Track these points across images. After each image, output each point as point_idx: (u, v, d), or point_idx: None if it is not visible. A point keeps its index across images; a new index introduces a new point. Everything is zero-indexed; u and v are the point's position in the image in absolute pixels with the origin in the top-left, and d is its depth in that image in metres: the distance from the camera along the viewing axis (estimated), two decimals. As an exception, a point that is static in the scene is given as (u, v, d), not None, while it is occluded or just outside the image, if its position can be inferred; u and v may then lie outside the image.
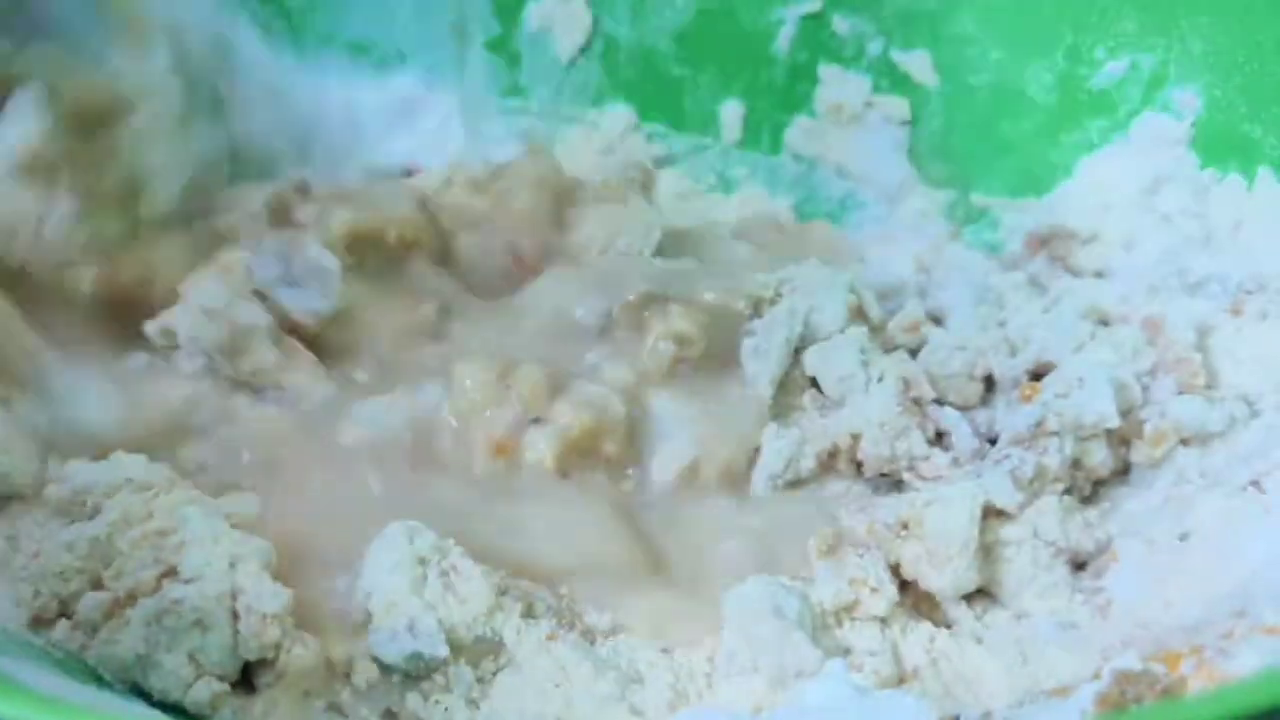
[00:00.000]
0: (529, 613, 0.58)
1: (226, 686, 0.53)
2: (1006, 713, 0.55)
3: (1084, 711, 0.50)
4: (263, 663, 0.54)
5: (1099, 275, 0.79)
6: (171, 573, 0.54)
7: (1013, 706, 0.56)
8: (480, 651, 0.56)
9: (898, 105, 0.88)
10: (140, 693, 0.53)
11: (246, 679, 0.54)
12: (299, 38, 0.88)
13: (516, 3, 0.91)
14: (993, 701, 0.57)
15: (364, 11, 0.90)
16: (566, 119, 0.92)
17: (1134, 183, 0.79)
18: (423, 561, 0.57)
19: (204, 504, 0.58)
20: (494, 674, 0.56)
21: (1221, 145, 0.77)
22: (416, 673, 0.54)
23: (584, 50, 0.91)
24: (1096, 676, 0.54)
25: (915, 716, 0.50)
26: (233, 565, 0.55)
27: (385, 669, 0.54)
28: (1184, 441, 0.66)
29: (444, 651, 0.54)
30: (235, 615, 0.53)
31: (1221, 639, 0.53)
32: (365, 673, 0.54)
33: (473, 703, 0.54)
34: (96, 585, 0.55)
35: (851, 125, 0.89)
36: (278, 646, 0.54)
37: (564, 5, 0.90)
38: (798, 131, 0.90)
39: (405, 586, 0.56)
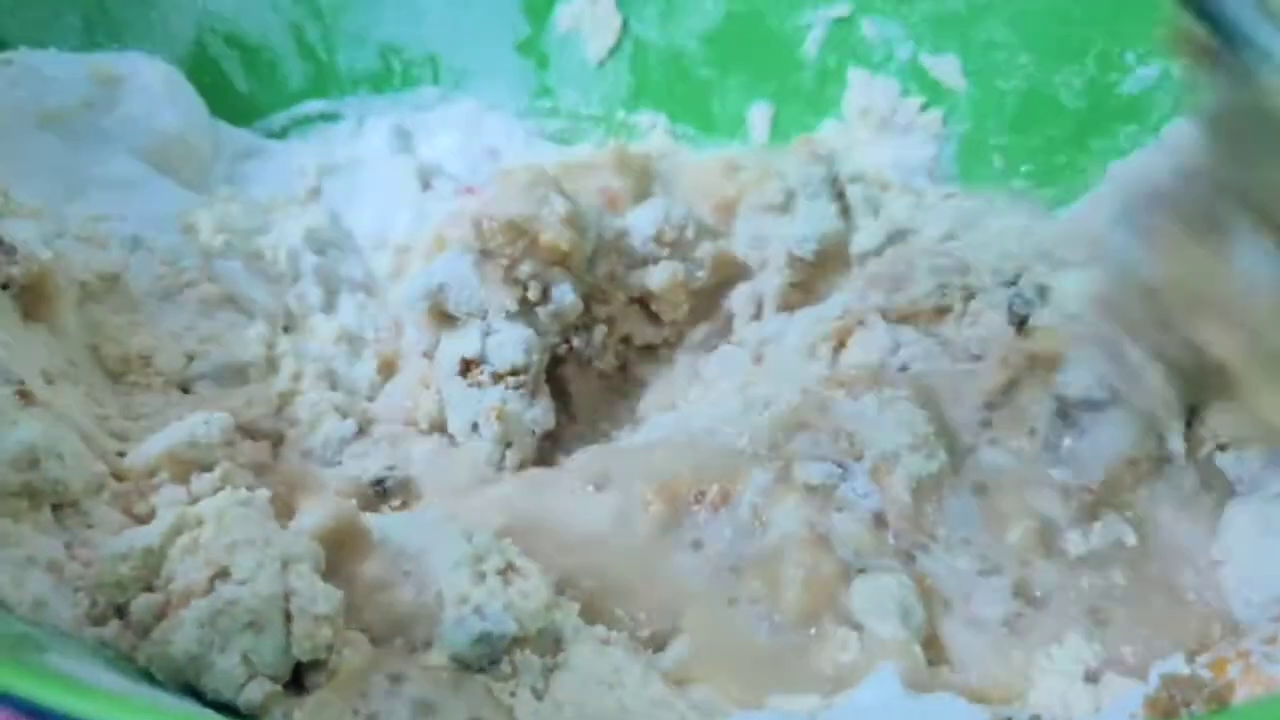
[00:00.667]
0: (585, 613, 0.58)
1: (278, 687, 0.53)
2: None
3: (1133, 714, 0.51)
4: (314, 664, 0.54)
5: (1130, 280, 0.79)
6: (224, 574, 0.54)
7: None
8: (544, 644, 0.56)
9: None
10: (191, 692, 0.53)
11: (297, 679, 0.54)
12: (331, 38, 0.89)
13: (546, 4, 0.91)
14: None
15: (395, 12, 0.90)
16: (595, 120, 0.93)
17: (1165, 189, 0.79)
18: (480, 559, 0.57)
19: (255, 505, 0.58)
20: (553, 670, 0.56)
21: (1253, 152, 0.77)
22: (485, 658, 0.55)
23: (613, 52, 0.91)
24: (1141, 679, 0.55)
25: (966, 717, 0.51)
26: (285, 566, 0.55)
27: (452, 661, 0.55)
28: (1220, 447, 0.66)
29: (512, 627, 0.54)
30: (288, 616, 0.54)
31: (1265, 644, 0.54)
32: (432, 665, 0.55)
33: (538, 693, 0.55)
34: (149, 590, 0.55)
35: (880, 129, 0.89)
36: (329, 647, 0.54)
37: (593, 7, 0.91)
38: (826, 134, 0.90)
39: (467, 580, 0.56)
